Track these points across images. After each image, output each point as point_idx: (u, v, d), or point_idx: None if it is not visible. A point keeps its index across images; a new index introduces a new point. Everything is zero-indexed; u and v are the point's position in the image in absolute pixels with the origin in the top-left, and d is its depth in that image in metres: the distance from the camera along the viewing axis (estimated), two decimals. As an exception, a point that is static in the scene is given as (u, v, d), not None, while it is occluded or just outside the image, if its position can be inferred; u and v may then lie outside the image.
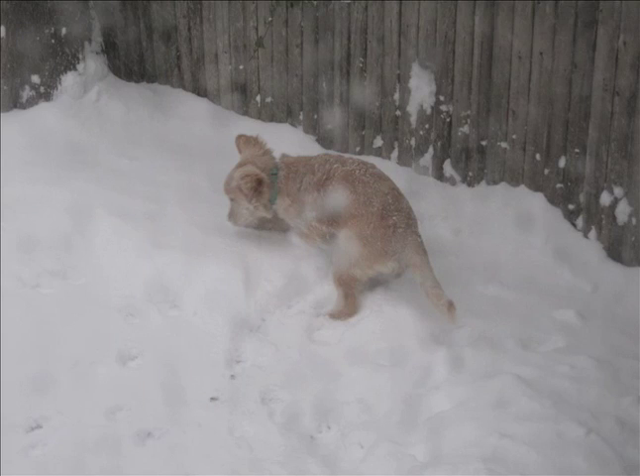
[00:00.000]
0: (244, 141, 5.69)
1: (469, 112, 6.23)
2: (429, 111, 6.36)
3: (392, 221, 5.33)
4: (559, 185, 6.06)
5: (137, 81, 7.17)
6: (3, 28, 6.43)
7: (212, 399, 4.94)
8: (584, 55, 5.73)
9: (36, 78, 6.56)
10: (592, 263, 5.91)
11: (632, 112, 5.65)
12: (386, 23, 6.30)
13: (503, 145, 6.19)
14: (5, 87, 6.54)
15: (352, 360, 5.08)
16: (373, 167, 5.54)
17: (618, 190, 5.82)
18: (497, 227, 6.12)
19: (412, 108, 6.40)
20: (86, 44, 6.74)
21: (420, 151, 6.47)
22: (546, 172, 6.08)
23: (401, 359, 5.06)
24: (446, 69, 6.23)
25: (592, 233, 5.98)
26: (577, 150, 5.92)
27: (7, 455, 4.49)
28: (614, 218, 5.88)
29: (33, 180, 5.97)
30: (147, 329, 5.27)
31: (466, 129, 6.27)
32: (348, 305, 5.38)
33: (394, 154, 6.55)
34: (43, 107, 6.57)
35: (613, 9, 5.55)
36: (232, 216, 5.68)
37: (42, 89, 6.58)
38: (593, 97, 5.77)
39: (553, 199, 6.10)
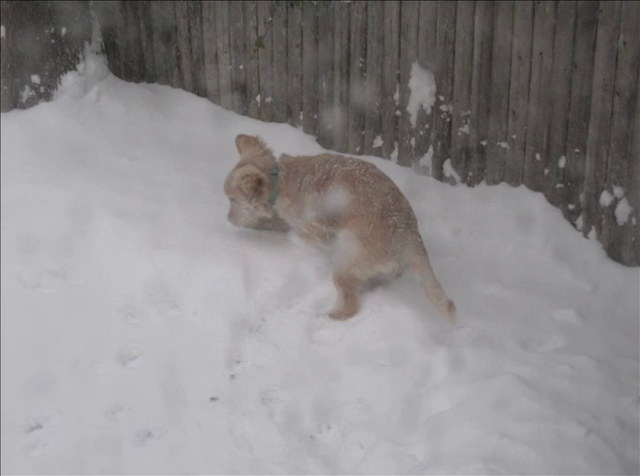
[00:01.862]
0: (244, 141, 5.69)
1: (469, 112, 6.23)
2: (429, 111, 6.36)
3: (392, 221, 5.33)
4: (559, 185, 6.06)
5: (137, 81, 7.17)
6: (3, 28, 6.43)
7: (212, 399, 4.94)
8: (584, 55, 5.74)
9: (36, 78, 6.56)
10: (592, 263, 5.91)
11: (632, 112, 5.65)
12: (386, 23, 6.30)
13: (503, 145, 6.19)
14: (5, 87, 6.54)
15: (352, 360, 5.08)
16: (374, 167, 5.54)
17: (618, 190, 5.83)
18: (497, 227, 6.13)
19: (412, 108, 6.40)
20: (86, 44, 6.74)
21: (420, 151, 6.47)
22: (546, 172, 6.08)
23: (401, 359, 5.06)
24: (446, 69, 6.23)
25: (592, 233, 5.98)
26: (577, 150, 5.92)
27: (7, 455, 4.49)
28: (614, 218, 5.88)
29: (33, 180, 5.97)
30: (147, 329, 5.27)
31: (466, 129, 6.27)
32: (348, 305, 5.38)
33: (394, 154, 6.55)
34: (43, 107, 6.57)
35: (613, 9, 5.55)
36: (232, 216, 5.68)
37: (42, 89, 6.58)
38: (593, 97, 5.77)
39: (553, 199, 6.10)
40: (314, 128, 6.78)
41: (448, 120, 6.32)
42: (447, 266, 5.68)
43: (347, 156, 5.95)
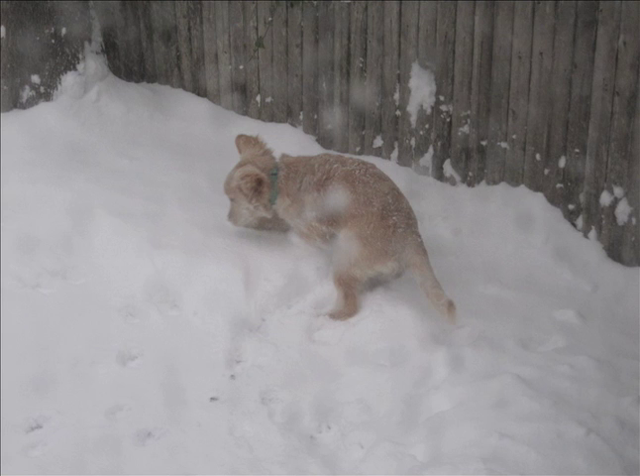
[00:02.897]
0: (244, 141, 5.69)
1: (469, 112, 6.23)
2: (429, 111, 6.36)
3: (392, 221, 5.33)
4: (559, 185, 6.06)
5: (137, 81, 7.18)
6: (3, 28, 6.43)
7: (212, 399, 4.94)
8: (584, 55, 5.74)
9: (36, 78, 6.56)
10: (592, 263, 5.92)
11: (632, 112, 5.65)
12: (386, 23, 6.31)
13: (503, 145, 6.19)
14: (5, 87, 6.54)
15: (352, 360, 5.08)
16: (373, 167, 5.54)
17: (618, 190, 5.83)
18: (497, 227, 6.13)
19: (412, 108, 6.40)
20: (86, 44, 6.74)
21: (420, 151, 6.47)
22: (546, 172, 6.08)
23: (401, 359, 5.06)
24: (446, 69, 6.23)
25: (592, 233, 5.98)
26: (577, 150, 5.93)
27: (7, 455, 4.49)
28: (614, 218, 5.88)
29: (33, 180, 5.97)
30: (147, 329, 5.27)
31: (466, 129, 6.27)
32: (348, 305, 5.38)
33: (394, 154, 6.56)
34: (43, 107, 6.57)
35: (613, 9, 5.55)
36: (232, 216, 5.68)
37: (42, 89, 6.58)
38: (593, 97, 5.77)
39: (553, 199, 6.10)
40: (314, 128, 6.78)
41: (448, 120, 6.32)
42: (447, 266, 5.68)
43: (347, 156, 5.95)
